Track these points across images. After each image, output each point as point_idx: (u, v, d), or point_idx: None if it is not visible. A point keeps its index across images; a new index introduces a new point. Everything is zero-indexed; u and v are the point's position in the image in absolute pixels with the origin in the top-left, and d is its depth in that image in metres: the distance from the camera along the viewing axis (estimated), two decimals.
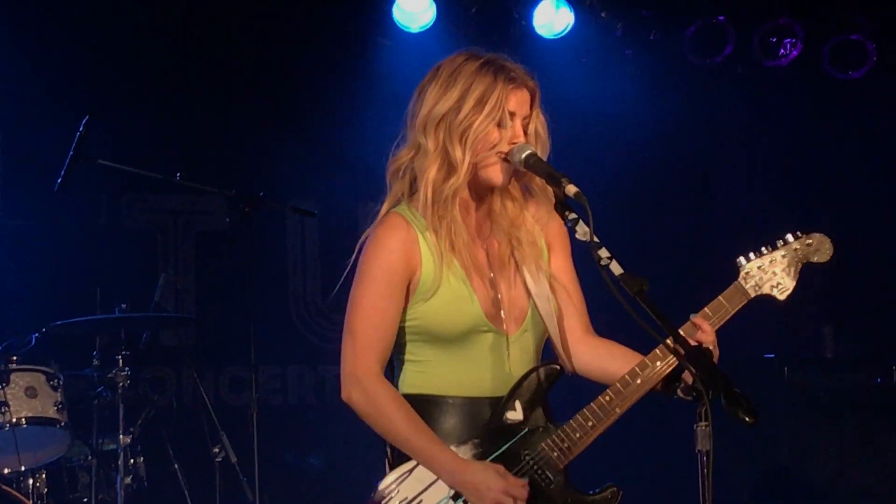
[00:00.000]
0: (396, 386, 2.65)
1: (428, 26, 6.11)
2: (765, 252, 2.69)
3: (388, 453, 2.60)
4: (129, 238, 6.14)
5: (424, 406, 2.59)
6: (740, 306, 2.64)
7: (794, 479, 5.89)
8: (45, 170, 4.91)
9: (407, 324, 2.60)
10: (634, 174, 6.55)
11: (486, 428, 2.58)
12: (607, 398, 2.58)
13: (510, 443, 2.58)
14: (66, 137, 4.65)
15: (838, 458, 5.85)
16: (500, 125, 2.57)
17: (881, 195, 6.69)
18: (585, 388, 2.72)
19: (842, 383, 5.98)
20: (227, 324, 5.52)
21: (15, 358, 4.63)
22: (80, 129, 4.59)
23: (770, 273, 2.67)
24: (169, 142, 5.91)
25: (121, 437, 4.72)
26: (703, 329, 2.55)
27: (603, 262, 2.43)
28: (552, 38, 6.28)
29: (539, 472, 2.58)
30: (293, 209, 5.35)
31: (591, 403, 2.59)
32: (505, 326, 2.62)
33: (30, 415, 4.55)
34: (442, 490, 2.54)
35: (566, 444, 2.58)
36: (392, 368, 2.66)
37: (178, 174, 4.79)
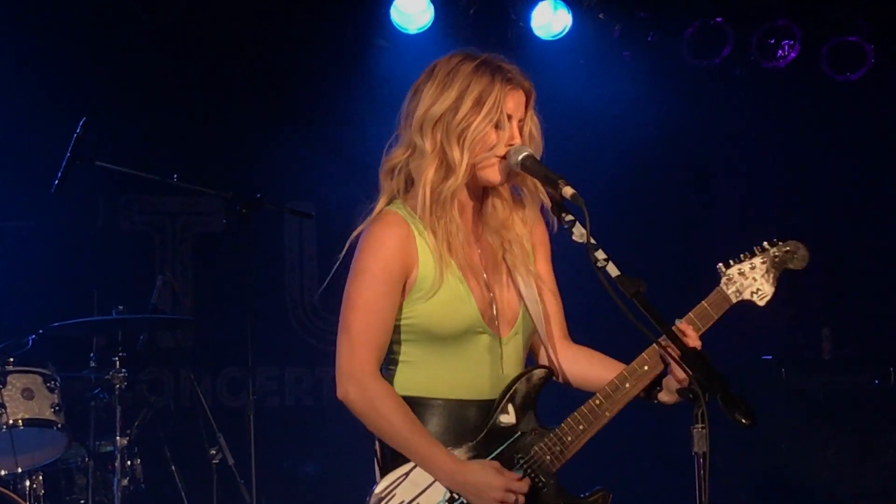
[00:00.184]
0: None
1: (426, 28, 6.11)
2: (743, 258, 2.71)
3: (378, 454, 2.59)
4: (126, 239, 6.13)
5: (417, 408, 2.58)
6: (723, 312, 2.66)
7: (791, 480, 5.88)
8: (42, 171, 4.89)
9: (402, 322, 2.59)
10: (632, 176, 6.55)
11: (479, 431, 2.58)
12: (597, 402, 2.59)
13: (503, 446, 2.58)
14: (63, 139, 4.64)
15: (836, 459, 5.85)
16: (497, 126, 2.57)
17: (879, 197, 6.69)
18: (566, 392, 2.72)
19: (839, 385, 5.98)
20: (224, 325, 5.53)
21: (12, 359, 4.62)
22: (78, 130, 4.59)
23: (750, 279, 2.68)
24: (166, 143, 5.90)
25: (118, 438, 4.71)
26: (688, 335, 2.55)
27: (600, 264, 2.43)
28: (550, 39, 6.28)
29: (532, 475, 2.58)
30: (290, 211, 5.35)
31: (582, 407, 2.60)
32: (499, 328, 2.62)
33: (26, 416, 4.54)
34: (438, 493, 2.53)
35: (558, 448, 2.58)
36: (382, 369, 2.64)
37: (176, 176, 4.78)
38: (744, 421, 2.27)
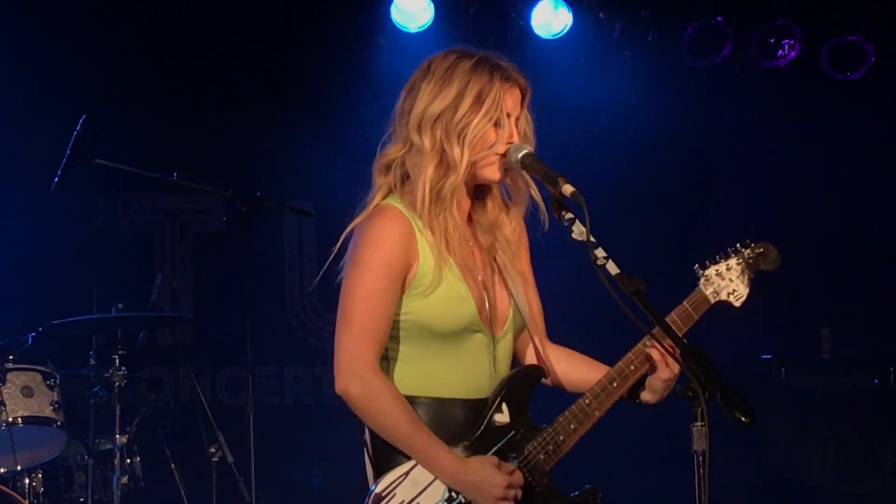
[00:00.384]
0: None
1: (426, 26, 6.10)
2: (719, 259, 2.72)
3: (370, 451, 2.57)
4: (125, 238, 6.12)
5: (413, 407, 2.55)
6: (703, 312, 2.68)
7: (790, 480, 5.88)
8: (41, 169, 4.89)
9: (401, 318, 2.57)
10: (632, 175, 6.55)
11: (474, 429, 2.57)
12: (587, 401, 2.60)
13: (498, 445, 2.57)
14: (63, 137, 4.63)
15: (835, 459, 5.85)
16: (496, 124, 2.56)
17: (879, 196, 6.69)
18: (546, 392, 2.73)
19: (839, 385, 5.99)
20: (223, 324, 5.53)
21: (11, 357, 4.61)
22: (78, 128, 4.57)
23: (727, 280, 2.69)
24: (166, 142, 5.89)
25: (117, 436, 4.70)
26: (654, 353, 2.57)
27: (599, 262, 2.42)
28: (550, 38, 6.28)
29: (526, 474, 2.57)
30: (290, 209, 5.33)
31: (572, 406, 2.60)
32: (492, 328, 2.62)
33: (26, 414, 4.53)
34: (437, 493, 2.52)
35: (551, 447, 2.58)
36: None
37: (176, 174, 4.76)
38: (743, 419, 2.27)
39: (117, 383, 4.72)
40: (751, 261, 2.71)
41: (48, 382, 4.62)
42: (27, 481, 4.63)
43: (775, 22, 6.45)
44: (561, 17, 6.25)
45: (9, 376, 4.56)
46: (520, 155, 2.55)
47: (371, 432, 2.55)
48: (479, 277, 2.61)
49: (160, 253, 6.24)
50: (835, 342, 6.39)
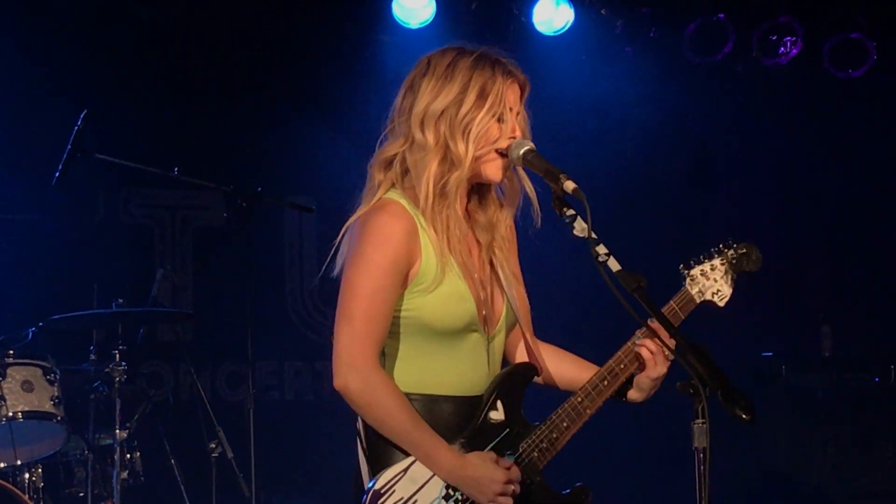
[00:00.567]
0: None
1: (427, 22, 6.10)
2: (703, 259, 2.74)
3: (364, 447, 2.56)
4: (126, 233, 6.11)
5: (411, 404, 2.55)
6: (689, 311, 2.69)
7: (790, 477, 5.89)
8: (42, 164, 4.88)
9: (401, 315, 2.56)
10: (633, 172, 6.54)
11: (469, 427, 2.57)
12: (579, 399, 2.61)
13: (493, 443, 2.57)
14: (63, 131, 4.62)
15: (835, 457, 5.86)
16: (499, 119, 2.56)
17: (880, 195, 6.68)
18: (532, 389, 2.73)
19: (839, 383, 6.00)
20: (224, 319, 5.52)
21: (11, 352, 4.60)
22: (78, 123, 4.56)
23: (711, 280, 2.72)
24: (167, 137, 5.87)
25: (117, 431, 4.69)
26: (660, 334, 2.55)
27: (601, 259, 2.42)
28: (552, 35, 6.27)
29: (520, 472, 2.57)
30: (291, 205, 5.32)
31: (564, 404, 2.61)
32: (487, 326, 2.63)
33: (26, 409, 4.53)
34: (434, 490, 2.52)
35: (544, 445, 2.58)
36: None
37: (176, 169, 4.75)
38: (744, 416, 2.26)
39: (117, 378, 4.71)
40: (734, 261, 2.74)
41: (48, 377, 4.62)
42: (27, 476, 4.62)
43: (777, 19, 6.44)
44: (562, 13, 6.24)
45: (9, 371, 4.56)
46: (522, 151, 2.54)
47: (364, 423, 2.54)
48: (477, 276, 2.61)
49: (161, 248, 6.23)
50: (835, 340, 6.38)
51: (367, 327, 2.50)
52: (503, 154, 2.57)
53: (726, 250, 2.74)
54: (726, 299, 2.73)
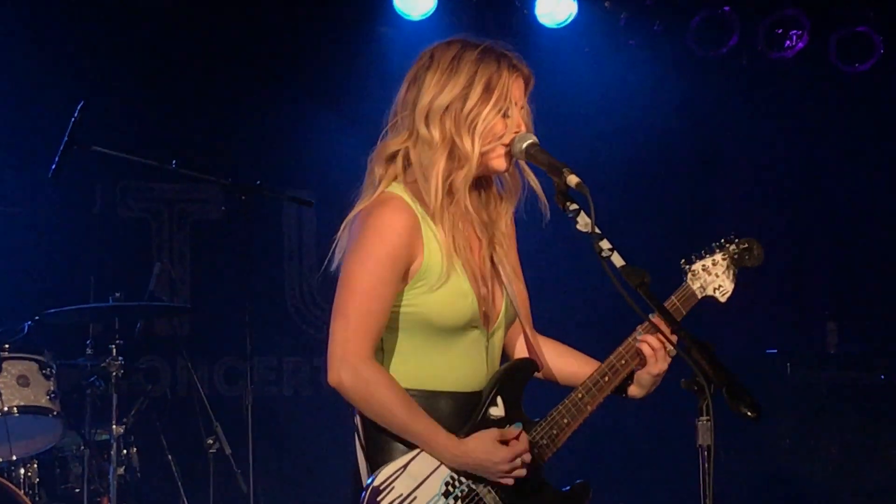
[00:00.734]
0: None
1: (429, 14, 6.08)
2: (704, 254, 2.73)
3: (363, 443, 2.55)
4: (123, 226, 6.10)
5: None
6: (691, 307, 2.68)
7: (795, 475, 5.88)
8: (39, 156, 4.90)
9: (401, 310, 2.54)
10: (637, 166, 6.53)
11: (470, 423, 2.56)
12: (579, 395, 2.60)
13: None
14: (60, 123, 4.60)
15: (841, 454, 5.85)
16: (504, 114, 2.54)
17: (887, 190, 6.65)
18: (533, 385, 2.72)
19: (845, 380, 6.00)
20: (222, 314, 5.54)
21: (7, 346, 4.60)
22: (75, 114, 4.54)
23: (713, 275, 2.71)
24: (165, 129, 5.87)
25: (114, 427, 4.69)
26: (662, 330, 2.56)
27: (604, 254, 2.41)
28: (554, 27, 6.24)
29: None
30: (290, 198, 5.29)
31: (565, 400, 2.60)
32: (487, 323, 2.62)
33: (22, 403, 4.52)
34: (435, 484, 2.51)
35: (545, 441, 2.58)
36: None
37: (174, 162, 4.74)
38: (749, 414, 2.25)
39: (114, 373, 4.70)
40: (735, 256, 2.73)
41: (44, 372, 4.60)
42: (22, 472, 4.62)
43: (783, 12, 6.41)
44: (565, 5, 6.22)
45: (4, 365, 4.55)
46: (524, 145, 2.53)
47: (363, 417, 2.54)
48: (479, 272, 2.60)
49: (158, 241, 6.21)
50: (841, 337, 6.37)
51: (363, 323, 2.48)
52: (508, 149, 2.55)
53: (728, 245, 2.73)
54: (728, 295, 2.71)
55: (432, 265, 2.53)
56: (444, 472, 2.52)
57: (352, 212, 2.56)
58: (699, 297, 2.68)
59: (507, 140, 2.53)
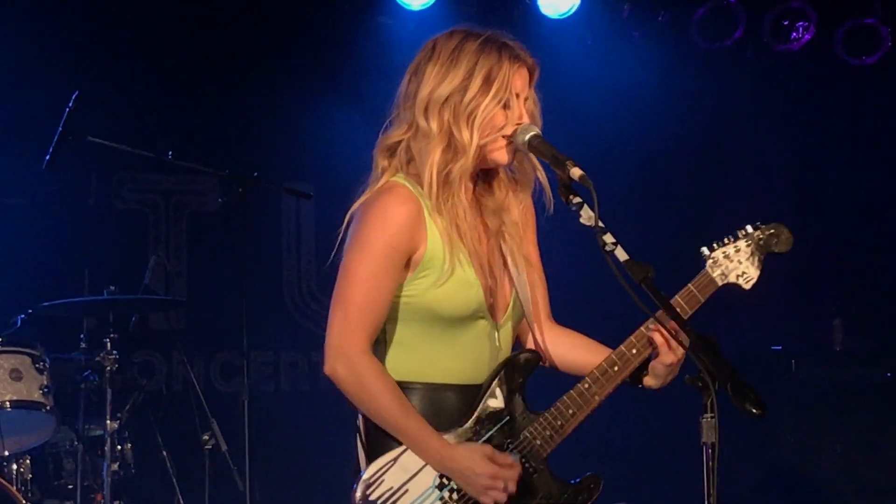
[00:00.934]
0: None
1: (429, 4, 6.05)
2: (727, 241, 2.69)
3: (362, 437, 2.53)
4: (119, 218, 6.07)
5: (407, 392, 2.53)
6: (709, 295, 2.65)
7: (800, 473, 5.89)
8: (33, 147, 4.85)
9: (402, 300, 2.52)
10: (641, 158, 6.51)
11: (467, 415, 2.55)
12: (586, 385, 2.57)
13: (493, 431, 2.55)
14: (55, 113, 4.58)
15: (845, 452, 5.86)
16: (505, 106, 2.52)
17: (893, 185, 6.61)
18: (553, 376, 2.70)
19: (850, 377, 6.01)
20: (218, 308, 5.52)
21: (0, 339, 4.54)
22: (70, 104, 4.53)
23: (735, 262, 2.67)
24: (161, 120, 5.84)
25: (108, 422, 4.66)
26: (661, 332, 2.53)
27: (608, 248, 2.38)
28: (557, 18, 6.21)
29: (523, 460, 2.54)
30: (288, 190, 5.30)
31: (571, 391, 2.57)
32: (495, 314, 2.59)
33: (14, 398, 4.48)
34: (427, 480, 2.49)
35: (548, 433, 2.55)
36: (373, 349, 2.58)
37: (171, 153, 4.74)
38: (754, 411, 2.21)
39: (108, 368, 4.68)
40: (761, 242, 2.69)
41: (37, 366, 4.56)
42: (15, 467, 4.58)
43: (789, 4, 6.38)
44: None
45: None
46: (527, 137, 2.52)
47: (364, 418, 2.53)
48: (486, 262, 2.58)
49: (154, 234, 6.19)
50: (846, 334, 6.35)
51: (362, 313, 2.48)
52: (510, 141, 2.54)
53: (753, 232, 2.69)
54: (753, 281, 2.67)
55: (435, 255, 2.51)
56: None
57: (355, 203, 2.55)
58: (720, 284, 2.64)
59: (508, 132, 2.52)
